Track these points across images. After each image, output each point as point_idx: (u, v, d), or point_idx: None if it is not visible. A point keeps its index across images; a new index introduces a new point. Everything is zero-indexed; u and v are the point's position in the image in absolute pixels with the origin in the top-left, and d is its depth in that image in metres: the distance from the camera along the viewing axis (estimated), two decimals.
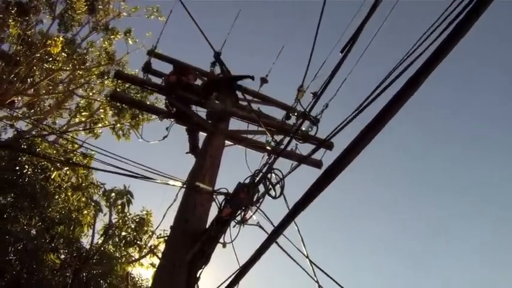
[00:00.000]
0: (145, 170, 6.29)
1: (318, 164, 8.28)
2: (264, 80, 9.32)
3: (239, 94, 9.07)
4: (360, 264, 43.52)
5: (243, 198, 5.70)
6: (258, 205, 5.69)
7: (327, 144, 7.90)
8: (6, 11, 20.22)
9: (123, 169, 6.19)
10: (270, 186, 5.69)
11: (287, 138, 7.92)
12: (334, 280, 4.98)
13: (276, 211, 4.20)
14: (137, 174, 6.24)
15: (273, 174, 5.73)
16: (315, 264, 5.15)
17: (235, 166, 6.07)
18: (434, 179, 39.28)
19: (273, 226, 4.37)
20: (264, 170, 5.73)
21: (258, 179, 5.73)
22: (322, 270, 5.10)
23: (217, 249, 5.69)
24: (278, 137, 7.87)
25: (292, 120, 8.81)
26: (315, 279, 5.05)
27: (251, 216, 5.69)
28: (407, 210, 40.64)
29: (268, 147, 7.74)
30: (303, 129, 8.38)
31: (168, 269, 5.65)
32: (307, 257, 5.20)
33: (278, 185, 5.65)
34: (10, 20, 20.36)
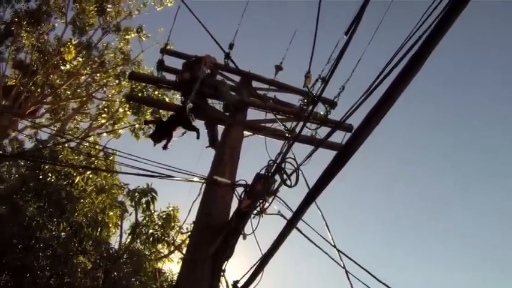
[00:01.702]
0: (165, 169, 6.30)
1: (337, 147, 8.17)
2: (278, 68, 9.22)
3: (255, 84, 9.03)
4: (388, 246, 42.60)
5: (260, 189, 5.66)
6: (276, 194, 5.63)
7: (345, 126, 7.77)
8: (18, 23, 20.40)
9: (143, 169, 6.23)
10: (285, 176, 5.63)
11: (307, 124, 7.93)
12: (362, 267, 4.91)
13: (299, 198, 4.12)
14: (158, 173, 6.27)
15: (289, 164, 5.67)
16: (340, 251, 5.07)
17: (258, 156, 6.01)
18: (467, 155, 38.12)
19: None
20: (278, 160, 5.66)
21: (273, 169, 5.66)
22: (349, 257, 5.03)
23: (240, 242, 5.67)
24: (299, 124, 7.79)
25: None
26: (342, 265, 4.97)
27: (268, 206, 5.64)
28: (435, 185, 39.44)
29: (287, 135, 7.64)
30: (321, 113, 8.31)
31: (192, 263, 5.64)
32: (334, 246, 5.12)
33: (294, 174, 5.58)
34: (23, 32, 20.53)
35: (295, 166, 5.53)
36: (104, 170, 17.39)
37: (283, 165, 5.58)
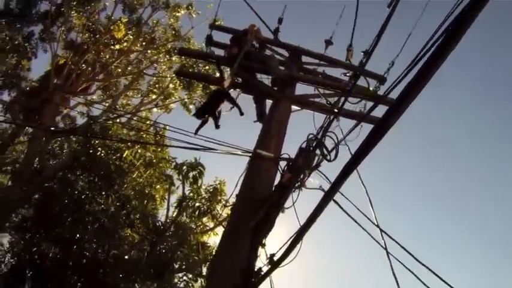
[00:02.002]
0: (210, 142, 6.35)
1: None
2: (328, 42, 9.04)
3: (304, 59, 8.93)
4: (430, 227, 41.58)
5: (301, 163, 5.66)
6: (317, 169, 5.59)
7: (387, 101, 7.58)
8: (68, 3, 20.73)
9: (190, 143, 6.28)
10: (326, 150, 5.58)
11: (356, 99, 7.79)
12: (404, 248, 4.80)
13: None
14: (205, 147, 6.33)
15: (330, 138, 5.61)
16: (382, 230, 4.97)
17: (306, 131, 5.95)
18: None
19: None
20: (319, 135, 5.61)
21: (314, 143, 5.62)
22: (390, 237, 4.93)
23: (279, 218, 5.65)
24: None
25: (361, 81, 8.51)
26: (383, 244, 4.87)
27: (307, 179, 5.58)
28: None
29: (335, 110, 7.52)
30: (371, 89, 8.14)
31: (232, 235, 5.65)
32: (377, 226, 5.03)
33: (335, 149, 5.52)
34: (73, 12, 20.85)
35: (335, 141, 5.45)
36: (151, 143, 17.62)
37: (323, 140, 5.52)
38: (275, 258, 5.09)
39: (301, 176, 5.59)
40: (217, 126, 7.63)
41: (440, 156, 38.90)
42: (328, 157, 5.50)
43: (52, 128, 19.52)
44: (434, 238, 41.10)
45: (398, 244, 4.84)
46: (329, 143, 5.57)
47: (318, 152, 5.58)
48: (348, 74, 8.40)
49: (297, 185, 5.59)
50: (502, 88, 33.49)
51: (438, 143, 38.05)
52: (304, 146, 5.78)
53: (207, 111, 7.62)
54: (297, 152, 5.82)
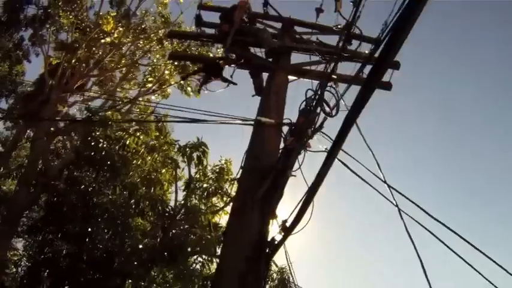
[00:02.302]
0: (211, 115, 6.37)
1: (386, 85, 7.94)
2: (319, 10, 8.99)
3: (297, 29, 8.90)
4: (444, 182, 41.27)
5: (302, 122, 5.60)
6: (320, 130, 5.52)
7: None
8: (54, 4, 20.66)
9: (192, 119, 6.30)
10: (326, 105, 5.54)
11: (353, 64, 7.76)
12: (416, 204, 4.75)
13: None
14: (206, 120, 6.46)
15: (330, 93, 5.58)
16: (391, 187, 4.93)
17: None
18: None
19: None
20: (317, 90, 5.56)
21: (314, 102, 5.56)
22: (401, 193, 4.89)
23: (289, 188, 5.59)
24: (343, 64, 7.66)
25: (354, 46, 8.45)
26: (394, 203, 4.82)
27: (310, 138, 5.52)
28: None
29: (334, 76, 7.46)
30: (366, 52, 8.09)
31: (241, 209, 5.58)
32: (384, 181, 4.99)
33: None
34: (60, 12, 20.78)
35: (336, 96, 5.42)
36: (153, 121, 17.64)
37: (323, 96, 5.47)
38: (287, 225, 5.07)
39: (305, 137, 5.53)
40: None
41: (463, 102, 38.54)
42: (330, 113, 5.46)
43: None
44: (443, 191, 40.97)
45: (410, 200, 4.79)
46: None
47: (318, 111, 5.51)
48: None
49: (300, 149, 5.53)
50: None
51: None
52: (303, 106, 5.74)
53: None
54: (298, 113, 5.77)
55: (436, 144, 40.21)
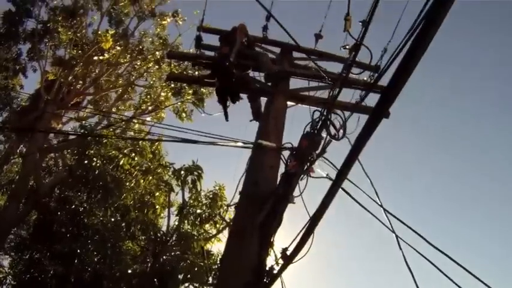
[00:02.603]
0: (209, 137, 6.41)
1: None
2: (318, 36, 9.05)
3: (295, 54, 8.91)
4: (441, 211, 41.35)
5: (306, 146, 5.50)
6: (322, 154, 5.46)
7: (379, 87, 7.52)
8: (54, 20, 20.72)
9: (190, 140, 6.27)
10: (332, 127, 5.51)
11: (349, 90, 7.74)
12: (414, 230, 4.70)
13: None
14: (205, 142, 6.42)
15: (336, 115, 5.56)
16: (388, 212, 4.88)
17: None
18: None
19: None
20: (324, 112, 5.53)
21: (319, 124, 5.52)
22: (400, 220, 4.84)
23: (289, 213, 5.52)
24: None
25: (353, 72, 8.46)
26: (393, 230, 4.77)
27: (313, 163, 5.45)
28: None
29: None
30: (365, 78, 8.10)
31: (239, 234, 5.48)
32: (381, 206, 4.95)
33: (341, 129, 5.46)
34: (59, 27, 20.82)
35: (342, 118, 5.39)
36: (150, 139, 17.56)
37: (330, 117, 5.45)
38: (288, 253, 4.98)
39: (307, 163, 5.46)
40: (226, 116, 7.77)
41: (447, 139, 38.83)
42: (336, 136, 5.41)
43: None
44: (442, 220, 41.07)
45: (408, 227, 4.75)
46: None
47: (323, 135, 5.46)
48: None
49: (303, 174, 5.46)
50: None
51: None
52: (308, 128, 5.67)
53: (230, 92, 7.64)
54: (302, 136, 5.70)
55: (434, 172, 40.25)
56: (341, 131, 5.46)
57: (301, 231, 4.59)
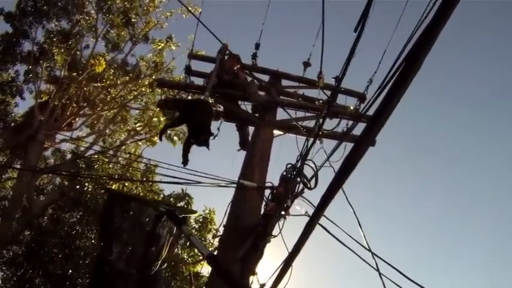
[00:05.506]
0: (195, 175, 6.55)
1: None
2: (306, 64, 9.13)
3: (284, 82, 9.01)
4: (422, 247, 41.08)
5: (282, 192, 5.73)
6: (299, 196, 5.66)
7: (368, 118, 7.60)
8: (50, 42, 20.82)
9: (175, 177, 6.56)
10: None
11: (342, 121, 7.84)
12: (397, 269, 4.74)
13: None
14: (191, 180, 6.54)
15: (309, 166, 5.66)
16: (375, 254, 4.93)
17: (292, 154, 6.03)
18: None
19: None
20: (297, 164, 5.70)
21: (293, 172, 5.74)
22: (382, 259, 4.89)
23: (270, 247, 5.71)
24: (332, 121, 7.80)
25: (342, 101, 8.60)
26: (375, 266, 4.82)
27: (290, 206, 5.64)
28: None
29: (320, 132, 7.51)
30: (351, 108, 8.22)
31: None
32: (369, 250, 4.99)
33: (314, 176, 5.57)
34: (54, 48, 20.92)
35: (314, 169, 5.49)
36: (137, 180, 17.60)
37: (302, 169, 5.58)
38: None
39: (285, 204, 5.59)
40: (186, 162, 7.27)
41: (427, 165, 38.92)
42: (309, 185, 5.52)
43: (37, 168, 19.43)
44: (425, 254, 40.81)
45: (389, 265, 4.79)
46: (309, 171, 5.61)
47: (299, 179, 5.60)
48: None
49: (281, 213, 5.59)
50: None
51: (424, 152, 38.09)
52: (284, 174, 5.82)
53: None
54: (279, 181, 5.86)
55: (416, 205, 40.26)
56: (313, 180, 5.54)
57: (279, 267, 4.68)
